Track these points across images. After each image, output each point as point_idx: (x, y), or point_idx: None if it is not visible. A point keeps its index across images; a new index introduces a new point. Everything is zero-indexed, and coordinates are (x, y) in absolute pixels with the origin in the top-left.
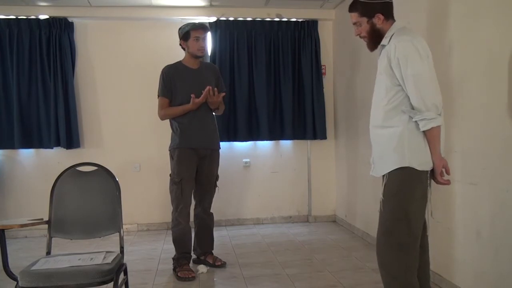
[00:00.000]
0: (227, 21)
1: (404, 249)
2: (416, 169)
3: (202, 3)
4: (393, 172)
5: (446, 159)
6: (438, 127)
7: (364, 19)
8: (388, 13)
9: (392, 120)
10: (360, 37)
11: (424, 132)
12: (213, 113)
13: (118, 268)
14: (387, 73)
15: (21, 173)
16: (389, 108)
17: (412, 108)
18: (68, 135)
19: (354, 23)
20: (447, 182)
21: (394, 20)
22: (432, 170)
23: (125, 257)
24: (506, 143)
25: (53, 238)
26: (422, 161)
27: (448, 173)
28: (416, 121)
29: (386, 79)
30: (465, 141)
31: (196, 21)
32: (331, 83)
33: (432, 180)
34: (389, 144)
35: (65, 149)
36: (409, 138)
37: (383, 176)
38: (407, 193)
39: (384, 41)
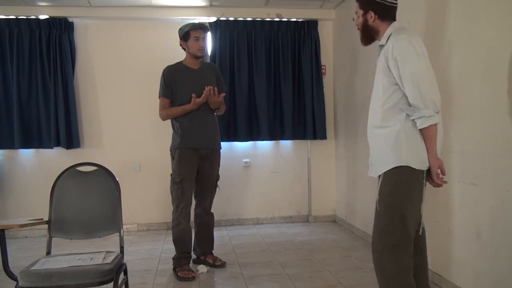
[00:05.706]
0: (227, 21)
1: (399, 249)
2: (413, 168)
3: (202, 3)
4: (389, 171)
5: (442, 159)
6: (436, 125)
7: (361, 12)
8: (383, 13)
9: (390, 120)
10: (358, 28)
11: (421, 130)
12: (214, 113)
13: (118, 268)
14: (385, 72)
15: (21, 173)
16: (386, 108)
17: (410, 106)
18: (68, 135)
19: (355, 12)
20: (443, 183)
21: (392, 21)
22: (429, 170)
23: (125, 257)
24: (506, 143)
25: (53, 238)
26: (419, 160)
27: (443, 173)
28: (413, 120)
29: (383, 79)
30: (465, 141)
31: (196, 21)
32: (331, 83)
33: (427, 181)
34: (387, 143)
35: (65, 149)
36: (406, 137)
37: (379, 175)
38: (403, 192)
39: (382, 41)
